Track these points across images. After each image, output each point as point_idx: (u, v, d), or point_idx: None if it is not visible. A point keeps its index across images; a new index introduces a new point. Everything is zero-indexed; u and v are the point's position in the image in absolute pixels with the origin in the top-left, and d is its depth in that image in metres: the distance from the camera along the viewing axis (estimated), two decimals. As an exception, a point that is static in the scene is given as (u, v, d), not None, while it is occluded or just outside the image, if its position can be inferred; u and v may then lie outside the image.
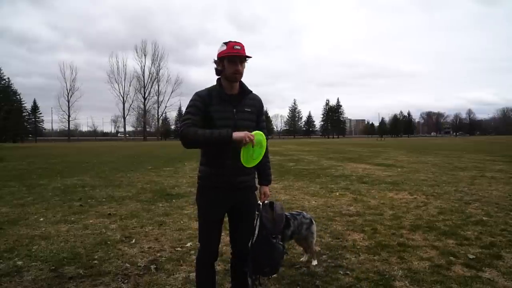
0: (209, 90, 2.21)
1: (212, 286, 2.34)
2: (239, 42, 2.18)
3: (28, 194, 7.21)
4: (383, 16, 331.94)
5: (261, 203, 2.39)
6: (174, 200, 6.42)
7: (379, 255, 3.53)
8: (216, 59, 2.21)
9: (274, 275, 2.75)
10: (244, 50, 2.16)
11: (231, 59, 2.12)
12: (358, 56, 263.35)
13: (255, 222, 2.36)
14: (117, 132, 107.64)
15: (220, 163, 2.15)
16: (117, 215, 5.29)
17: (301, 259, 3.45)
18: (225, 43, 2.16)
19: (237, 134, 2.01)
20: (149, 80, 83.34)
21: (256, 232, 2.33)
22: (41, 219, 5.06)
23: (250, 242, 2.34)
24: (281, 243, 2.47)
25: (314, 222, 3.41)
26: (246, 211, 2.31)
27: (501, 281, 2.89)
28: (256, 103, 2.30)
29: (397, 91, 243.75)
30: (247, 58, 2.17)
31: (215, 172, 2.17)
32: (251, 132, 2.09)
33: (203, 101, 2.14)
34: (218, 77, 2.25)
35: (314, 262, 3.31)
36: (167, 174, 10.49)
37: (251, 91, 2.30)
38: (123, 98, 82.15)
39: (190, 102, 2.19)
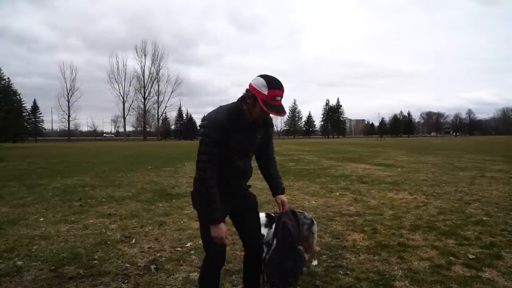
0: (230, 114, 1.96)
1: None
2: (282, 89, 1.90)
3: (28, 194, 7.21)
4: (383, 16, 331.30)
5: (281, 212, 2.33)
6: (174, 200, 6.43)
7: (379, 255, 3.53)
8: (249, 89, 1.93)
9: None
10: (282, 96, 1.94)
11: (266, 112, 1.90)
12: (358, 56, 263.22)
13: (274, 230, 2.33)
14: (117, 132, 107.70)
15: (224, 180, 2.06)
16: (117, 215, 5.29)
17: (301, 259, 3.45)
18: (267, 85, 1.87)
19: (214, 231, 1.96)
20: (149, 80, 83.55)
21: (276, 241, 2.27)
22: (41, 219, 5.06)
23: (269, 254, 2.27)
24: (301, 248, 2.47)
25: (315, 222, 3.41)
26: (251, 205, 2.30)
27: (501, 281, 2.89)
28: (269, 124, 2.23)
29: (397, 91, 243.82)
30: None
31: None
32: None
33: (221, 130, 1.92)
34: (240, 96, 2.03)
35: (314, 262, 3.31)
36: (167, 174, 10.49)
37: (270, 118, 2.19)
38: (123, 98, 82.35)
39: (206, 130, 1.93)
